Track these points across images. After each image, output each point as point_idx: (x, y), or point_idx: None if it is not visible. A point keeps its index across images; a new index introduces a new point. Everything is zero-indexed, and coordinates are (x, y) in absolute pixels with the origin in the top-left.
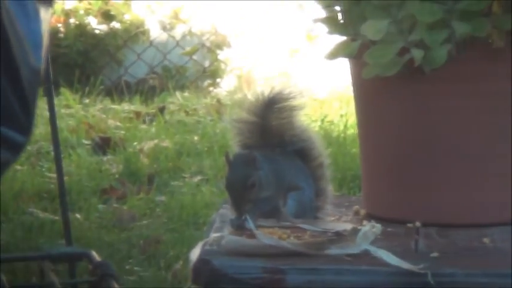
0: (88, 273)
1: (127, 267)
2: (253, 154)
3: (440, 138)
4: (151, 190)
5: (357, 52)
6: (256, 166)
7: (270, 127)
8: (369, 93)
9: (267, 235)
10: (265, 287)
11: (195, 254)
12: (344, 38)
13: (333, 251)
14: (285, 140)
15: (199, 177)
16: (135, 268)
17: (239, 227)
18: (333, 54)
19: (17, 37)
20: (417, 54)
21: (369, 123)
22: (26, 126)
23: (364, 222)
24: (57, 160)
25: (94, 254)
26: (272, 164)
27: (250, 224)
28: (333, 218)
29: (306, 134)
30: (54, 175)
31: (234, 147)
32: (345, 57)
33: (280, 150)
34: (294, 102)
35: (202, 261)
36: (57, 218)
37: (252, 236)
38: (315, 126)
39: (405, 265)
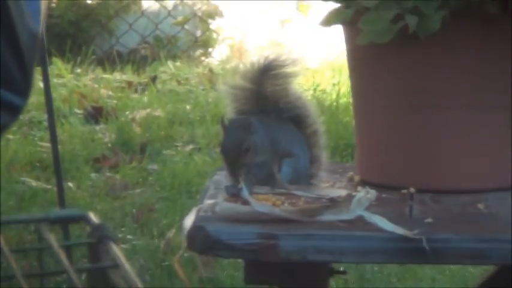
0: (86, 235)
1: (120, 235)
2: (249, 119)
3: (435, 104)
4: (144, 159)
5: (351, 19)
6: (251, 131)
7: (265, 94)
8: (363, 60)
9: (261, 203)
10: (259, 253)
11: (189, 220)
12: (338, 4)
13: (327, 217)
14: (280, 107)
15: (191, 146)
16: (128, 236)
17: (234, 195)
18: (328, 21)
19: (16, 1)
20: (411, 20)
21: (363, 89)
22: (24, 89)
23: (359, 188)
24: (52, 128)
25: (92, 216)
26: (267, 130)
27: (245, 193)
28: (327, 185)
29: (301, 101)
30: (47, 144)
31: (230, 113)
32: (339, 23)
33: (275, 117)
34: (289, 69)
35: (196, 227)
36: (49, 187)
37: (246, 202)
38: (308, 96)
39: (400, 231)
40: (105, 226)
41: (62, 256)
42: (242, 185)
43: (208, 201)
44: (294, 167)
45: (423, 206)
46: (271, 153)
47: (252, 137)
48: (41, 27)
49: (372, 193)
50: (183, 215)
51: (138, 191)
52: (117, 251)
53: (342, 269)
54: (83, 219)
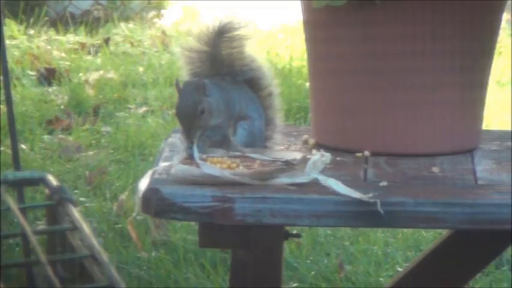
0: (44, 197)
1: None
2: (203, 81)
3: (389, 67)
4: (97, 121)
5: None
6: (206, 93)
7: (221, 56)
8: (319, 23)
9: (211, 165)
10: (214, 216)
11: (144, 183)
12: None
13: (282, 180)
14: (235, 70)
15: (144, 108)
16: (81, 199)
17: (189, 156)
18: None
19: None
20: None
21: (319, 53)
22: None
23: (313, 151)
24: (7, 90)
25: (51, 178)
26: (223, 93)
27: (195, 154)
28: (282, 147)
29: (256, 63)
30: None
31: (185, 76)
32: None
33: (230, 80)
34: (243, 32)
35: (151, 190)
36: (2, 148)
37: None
38: (260, 59)
39: (354, 194)
40: (65, 188)
41: (21, 218)
42: (194, 147)
43: (163, 164)
44: (249, 130)
45: (378, 169)
46: (227, 115)
47: (206, 100)
48: None
49: (327, 156)
50: (136, 178)
51: (90, 153)
52: (76, 213)
53: (295, 232)
54: (42, 181)
